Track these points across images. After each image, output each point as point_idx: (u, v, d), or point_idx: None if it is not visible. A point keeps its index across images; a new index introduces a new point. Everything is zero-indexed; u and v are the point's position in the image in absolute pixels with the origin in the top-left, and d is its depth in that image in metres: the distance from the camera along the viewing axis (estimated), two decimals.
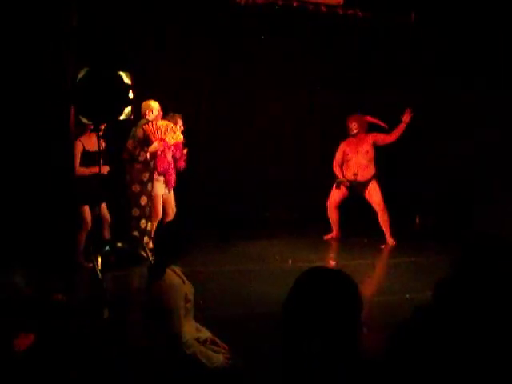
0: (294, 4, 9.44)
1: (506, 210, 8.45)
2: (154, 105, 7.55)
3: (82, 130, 6.94)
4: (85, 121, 6.21)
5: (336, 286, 2.00)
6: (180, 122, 7.71)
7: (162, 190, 7.68)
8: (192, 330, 3.99)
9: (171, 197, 7.83)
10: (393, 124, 9.03)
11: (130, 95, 6.10)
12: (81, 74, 5.89)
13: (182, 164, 7.79)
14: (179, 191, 8.03)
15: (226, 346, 4.05)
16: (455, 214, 9.49)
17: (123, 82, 6.05)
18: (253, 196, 9.76)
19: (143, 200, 7.38)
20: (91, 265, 6.66)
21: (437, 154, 9.76)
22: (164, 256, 3.99)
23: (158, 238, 4.41)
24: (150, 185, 7.43)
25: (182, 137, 7.60)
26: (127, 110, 6.10)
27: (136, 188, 7.38)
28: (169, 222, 7.36)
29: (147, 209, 7.42)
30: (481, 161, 9.13)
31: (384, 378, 2.01)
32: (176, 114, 7.75)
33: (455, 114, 9.48)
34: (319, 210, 9.48)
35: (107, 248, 7.12)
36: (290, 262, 7.65)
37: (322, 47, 9.94)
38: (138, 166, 7.38)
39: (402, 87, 9.80)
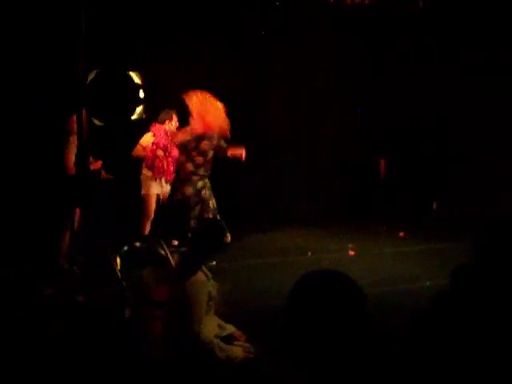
0: None
1: None
2: (175, 117, 7.67)
3: None
4: (97, 122, 6.22)
5: (330, 289, 2.00)
6: (175, 118, 7.69)
7: (158, 190, 7.69)
8: (214, 327, 4.00)
9: (167, 191, 7.79)
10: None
11: (141, 95, 6.10)
12: (91, 76, 5.90)
13: (175, 153, 7.66)
14: None
15: (247, 339, 4.06)
16: (477, 200, 9.43)
17: (133, 81, 6.06)
18: (269, 189, 9.76)
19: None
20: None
21: (454, 141, 9.75)
22: (202, 253, 4.03)
23: (196, 235, 4.32)
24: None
25: (153, 139, 7.62)
26: (139, 109, 6.11)
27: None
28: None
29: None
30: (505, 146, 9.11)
31: (406, 365, 2.00)
32: (170, 110, 7.71)
33: (464, 99, 9.44)
34: (336, 201, 9.46)
35: (126, 248, 7.13)
36: (309, 253, 7.64)
37: (329, 37, 9.92)
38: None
39: (410, 74, 9.78)
